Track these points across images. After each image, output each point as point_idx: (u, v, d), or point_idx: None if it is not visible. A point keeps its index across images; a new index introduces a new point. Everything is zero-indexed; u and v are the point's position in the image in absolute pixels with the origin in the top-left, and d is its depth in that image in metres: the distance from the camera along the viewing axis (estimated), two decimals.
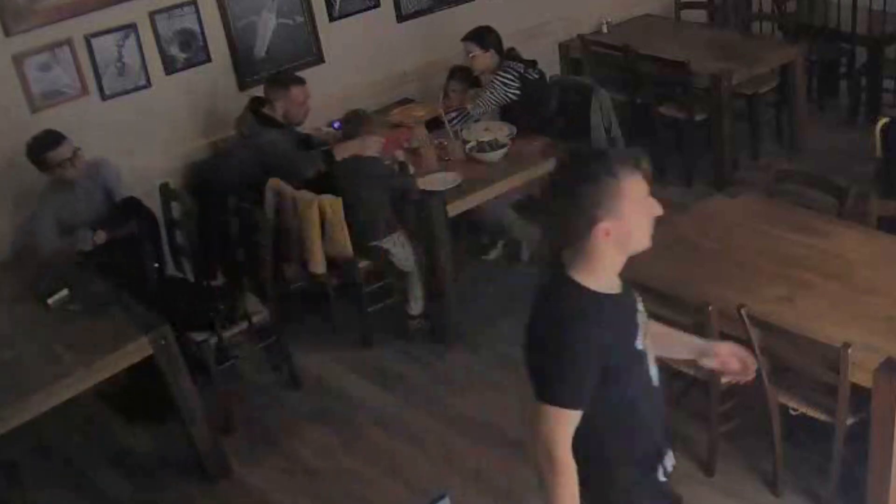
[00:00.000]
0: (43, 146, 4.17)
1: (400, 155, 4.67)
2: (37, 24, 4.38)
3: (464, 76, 5.39)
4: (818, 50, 6.30)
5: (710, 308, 3.17)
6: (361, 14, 5.50)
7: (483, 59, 4.99)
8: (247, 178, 4.53)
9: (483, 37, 4.96)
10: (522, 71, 4.97)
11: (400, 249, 4.56)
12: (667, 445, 2.38)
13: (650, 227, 2.15)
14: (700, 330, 3.28)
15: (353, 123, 4.60)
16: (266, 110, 4.69)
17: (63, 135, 4.21)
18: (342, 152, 4.52)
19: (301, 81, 4.73)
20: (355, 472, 3.97)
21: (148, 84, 4.80)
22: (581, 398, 2.12)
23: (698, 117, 5.62)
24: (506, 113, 5.05)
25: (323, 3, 5.33)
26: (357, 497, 3.84)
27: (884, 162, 4.39)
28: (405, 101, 5.62)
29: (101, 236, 4.26)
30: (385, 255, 4.56)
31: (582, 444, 2.15)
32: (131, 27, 4.66)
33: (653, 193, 2.12)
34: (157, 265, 4.50)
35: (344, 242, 4.39)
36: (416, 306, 4.71)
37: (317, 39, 5.35)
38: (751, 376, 2.49)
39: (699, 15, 6.78)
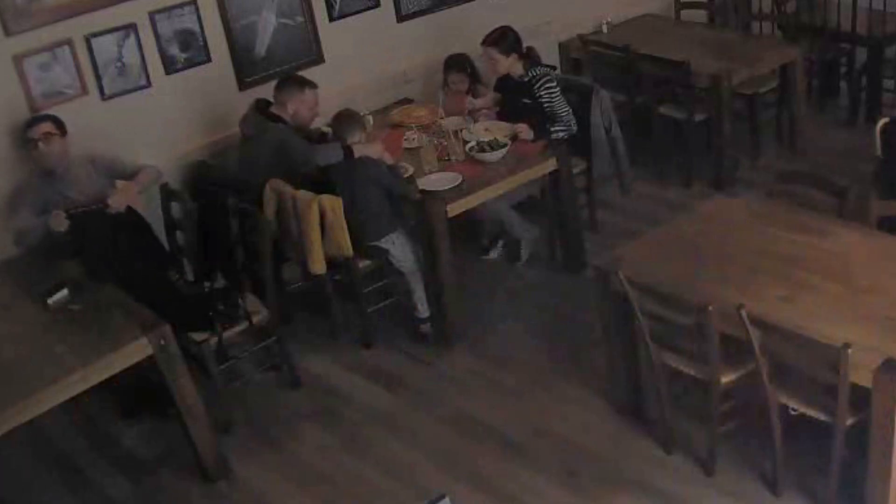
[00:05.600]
0: (25, 124, 4.30)
1: (388, 158, 4.63)
2: (37, 24, 4.37)
3: (461, 65, 5.39)
4: (818, 50, 6.31)
5: (710, 308, 3.17)
6: (361, 14, 5.50)
7: (504, 64, 4.98)
8: (268, 172, 4.51)
9: (502, 41, 4.94)
10: (553, 74, 5.01)
11: (399, 249, 4.55)
12: None
13: None
14: (700, 330, 3.29)
15: (341, 122, 4.59)
16: (275, 110, 4.68)
17: (46, 118, 4.28)
18: (361, 150, 4.52)
19: (314, 85, 4.74)
20: (355, 472, 3.97)
21: (148, 84, 4.79)
22: None
23: (698, 117, 5.62)
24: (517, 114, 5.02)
25: (323, 3, 5.33)
26: (357, 497, 3.84)
27: (884, 162, 4.38)
28: (405, 101, 5.62)
29: (59, 217, 4.12)
30: (385, 254, 4.56)
31: None
32: (131, 27, 4.66)
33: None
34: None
35: (344, 242, 4.39)
36: (423, 309, 4.69)
37: (317, 39, 5.35)
38: None
39: (699, 15, 6.78)
